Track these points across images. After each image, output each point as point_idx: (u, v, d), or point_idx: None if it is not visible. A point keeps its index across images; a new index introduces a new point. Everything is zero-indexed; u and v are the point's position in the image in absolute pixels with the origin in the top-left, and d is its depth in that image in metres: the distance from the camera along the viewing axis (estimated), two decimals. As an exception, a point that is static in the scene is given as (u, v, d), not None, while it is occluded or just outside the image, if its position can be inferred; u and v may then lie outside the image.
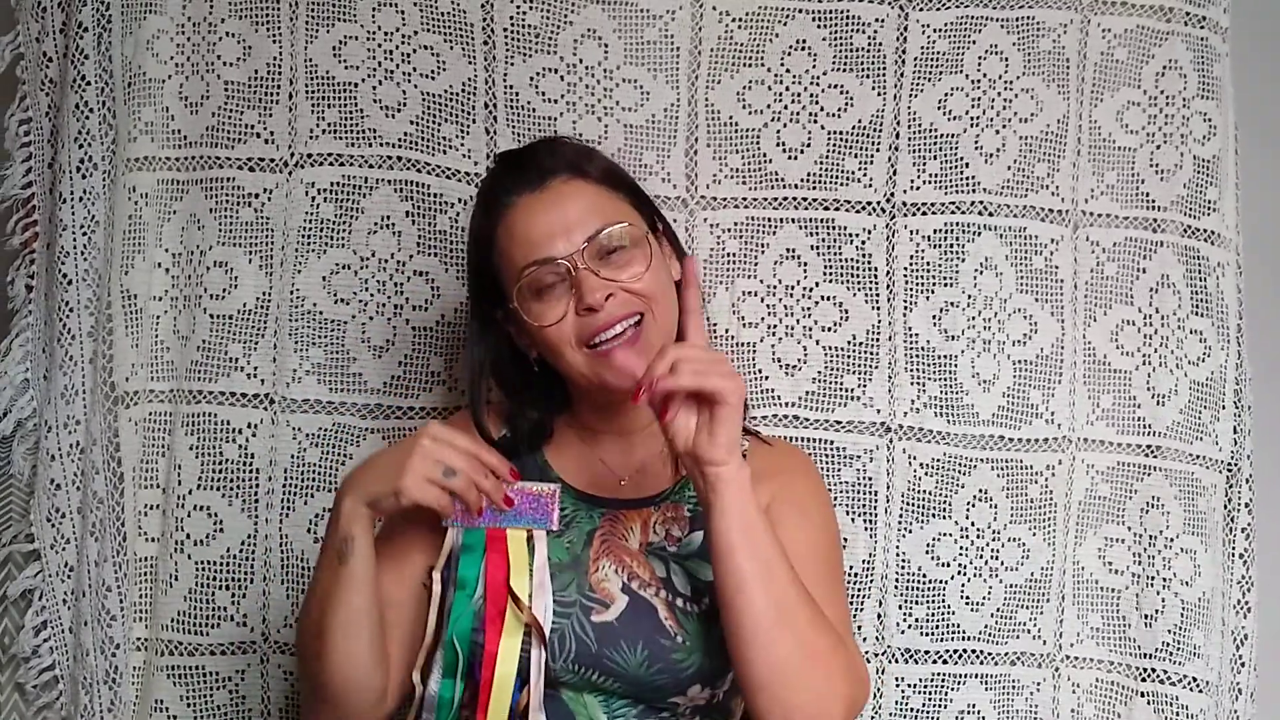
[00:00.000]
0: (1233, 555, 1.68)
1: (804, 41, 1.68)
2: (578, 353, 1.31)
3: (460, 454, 1.24)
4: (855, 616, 1.63)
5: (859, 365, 1.66)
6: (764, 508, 1.32)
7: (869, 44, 1.68)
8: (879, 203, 1.68)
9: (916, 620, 1.65)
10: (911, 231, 1.67)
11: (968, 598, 1.65)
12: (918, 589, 1.65)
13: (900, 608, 1.64)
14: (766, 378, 1.66)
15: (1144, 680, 1.66)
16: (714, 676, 1.27)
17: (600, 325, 1.30)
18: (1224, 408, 1.69)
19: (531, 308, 1.32)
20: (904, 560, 1.65)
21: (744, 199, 1.67)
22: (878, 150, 1.68)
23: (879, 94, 1.68)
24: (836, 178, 1.67)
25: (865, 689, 1.27)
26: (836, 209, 1.67)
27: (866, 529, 1.64)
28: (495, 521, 1.28)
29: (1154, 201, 1.69)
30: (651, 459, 1.39)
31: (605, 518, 1.34)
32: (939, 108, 1.68)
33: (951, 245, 1.67)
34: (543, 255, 1.31)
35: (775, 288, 1.67)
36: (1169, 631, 1.65)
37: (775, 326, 1.67)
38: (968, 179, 1.68)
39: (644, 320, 1.31)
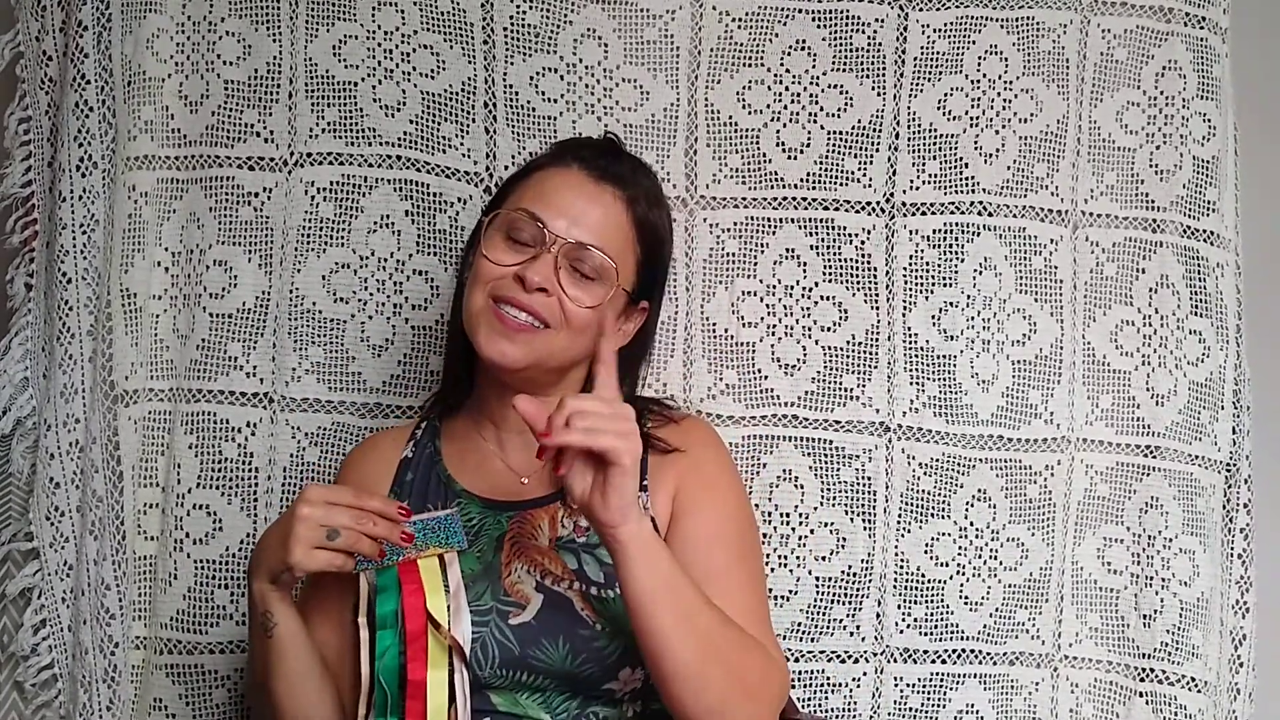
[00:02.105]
0: (1231, 555, 1.68)
1: (804, 41, 1.68)
2: (482, 295, 1.34)
3: (341, 511, 1.24)
4: (854, 616, 1.63)
5: (858, 365, 1.66)
6: (672, 494, 1.35)
7: (869, 44, 1.68)
8: (878, 203, 1.68)
9: (915, 620, 1.65)
10: (911, 231, 1.67)
11: (966, 597, 1.65)
12: (916, 589, 1.65)
13: (899, 607, 1.65)
14: (766, 377, 1.66)
15: (1142, 680, 1.66)
16: (641, 657, 1.26)
17: (515, 299, 1.32)
18: (1223, 408, 1.69)
19: (494, 237, 1.36)
20: (903, 560, 1.65)
21: (743, 199, 1.67)
22: (877, 150, 1.68)
23: (879, 94, 1.68)
24: (836, 178, 1.67)
25: (787, 687, 1.31)
26: (836, 209, 1.67)
27: (865, 529, 1.64)
28: (401, 555, 1.26)
29: (1153, 202, 1.70)
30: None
31: (513, 520, 1.35)
32: (939, 108, 1.68)
33: (951, 245, 1.67)
34: (542, 216, 1.34)
35: (775, 287, 1.67)
36: (1167, 631, 1.66)
37: (775, 326, 1.67)
38: (967, 179, 1.68)
39: (546, 331, 1.33)
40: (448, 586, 1.26)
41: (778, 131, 1.68)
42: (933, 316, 1.67)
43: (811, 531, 1.64)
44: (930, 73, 1.68)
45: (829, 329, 1.67)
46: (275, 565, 1.25)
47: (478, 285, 1.34)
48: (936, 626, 1.65)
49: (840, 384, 1.66)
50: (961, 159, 1.68)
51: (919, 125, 1.68)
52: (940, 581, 1.65)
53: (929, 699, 1.65)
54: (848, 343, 1.67)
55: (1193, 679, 1.65)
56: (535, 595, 1.29)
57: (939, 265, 1.67)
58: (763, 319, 1.67)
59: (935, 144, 1.68)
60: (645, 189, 1.42)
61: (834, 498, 1.64)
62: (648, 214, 1.41)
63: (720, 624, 1.22)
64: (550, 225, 1.33)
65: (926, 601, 1.65)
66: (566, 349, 1.35)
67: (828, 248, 1.67)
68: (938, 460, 1.66)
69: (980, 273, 1.67)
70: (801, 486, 1.64)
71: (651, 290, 1.44)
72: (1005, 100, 1.68)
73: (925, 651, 1.65)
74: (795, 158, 1.68)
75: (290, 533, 1.23)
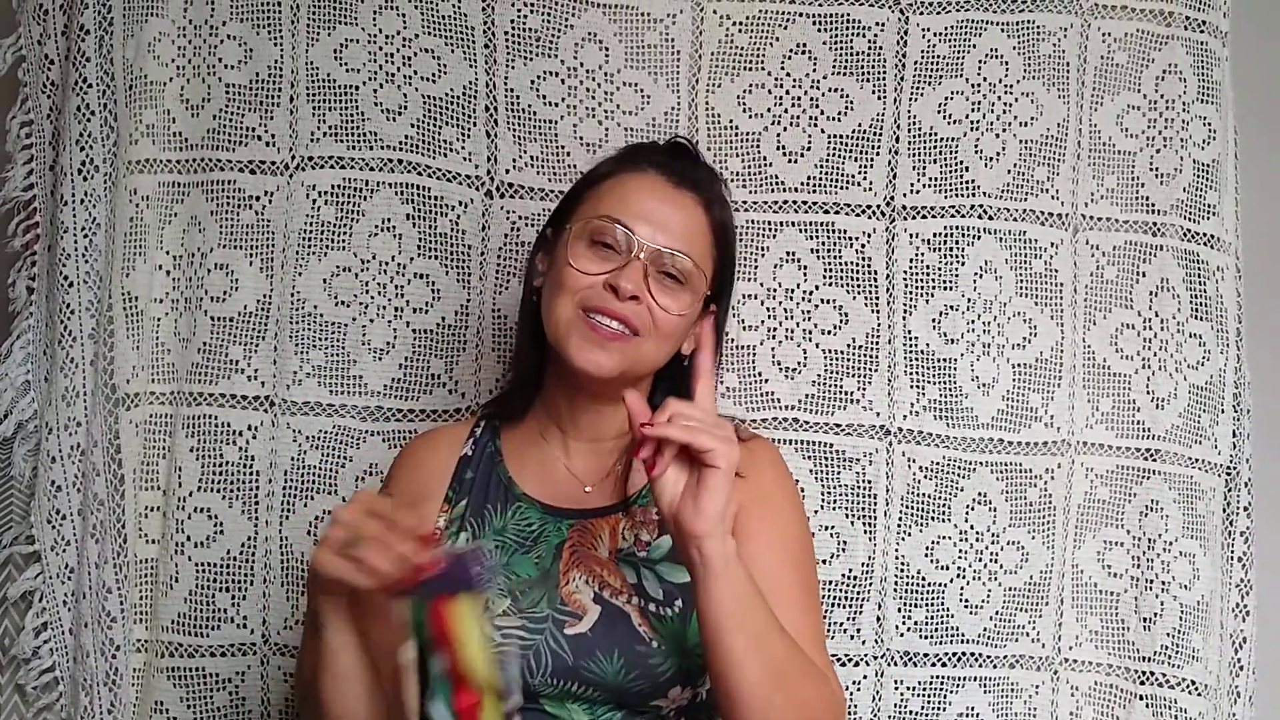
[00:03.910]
0: (1231, 559, 1.69)
1: (804, 45, 1.68)
2: (571, 305, 1.32)
3: (371, 521, 1.17)
4: (855, 619, 1.64)
5: (859, 368, 1.66)
6: (733, 515, 1.30)
7: (869, 48, 1.68)
8: (879, 206, 1.68)
9: (915, 623, 1.65)
10: (911, 235, 1.67)
11: (967, 600, 1.65)
12: (917, 592, 1.65)
13: (899, 610, 1.65)
14: (766, 381, 1.66)
15: (1143, 683, 1.66)
16: (692, 677, 1.27)
17: (608, 309, 1.31)
18: (1223, 411, 1.69)
19: (577, 245, 1.34)
20: (903, 563, 1.65)
21: (744, 202, 1.68)
22: (878, 154, 1.68)
23: (879, 98, 1.68)
24: (836, 181, 1.68)
25: (844, 712, 1.29)
26: (836, 212, 1.68)
27: (866, 532, 1.64)
28: (428, 593, 1.15)
29: (1154, 205, 1.70)
30: (619, 466, 1.39)
31: (573, 529, 1.34)
32: (939, 111, 1.68)
33: (951, 249, 1.67)
34: (627, 223, 1.33)
35: (775, 291, 1.67)
36: (1168, 635, 1.66)
37: (775, 329, 1.67)
38: (967, 183, 1.68)
39: (636, 339, 1.32)
40: (483, 636, 1.16)
41: (778, 135, 1.68)
42: (933, 320, 1.67)
43: (812, 535, 1.64)
44: (931, 76, 1.68)
45: (829, 332, 1.67)
46: (312, 569, 1.21)
47: (564, 294, 1.32)
48: (937, 630, 1.65)
49: (840, 387, 1.66)
50: (962, 163, 1.68)
51: (919, 129, 1.68)
52: (940, 585, 1.65)
53: (929, 702, 1.65)
54: (848, 346, 1.67)
55: (1193, 682, 1.65)
56: (593, 606, 1.27)
57: (939, 269, 1.67)
58: (763, 322, 1.67)
59: (936, 148, 1.68)
60: (718, 193, 1.42)
61: (834, 501, 1.64)
62: (722, 217, 1.41)
63: (790, 651, 1.20)
64: (637, 231, 1.32)
65: (927, 605, 1.65)
66: (653, 356, 1.35)
67: (828, 251, 1.67)
68: (938, 463, 1.66)
69: (980, 276, 1.67)
70: (802, 490, 1.64)
71: (722, 294, 1.43)
72: (1006, 104, 1.69)
73: (925, 655, 1.65)
74: (796, 161, 1.68)
75: (324, 535, 1.20)
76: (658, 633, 1.26)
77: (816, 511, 1.64)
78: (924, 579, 1.65)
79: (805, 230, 1.67)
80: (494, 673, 1.15)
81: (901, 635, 1.65)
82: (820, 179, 1.68)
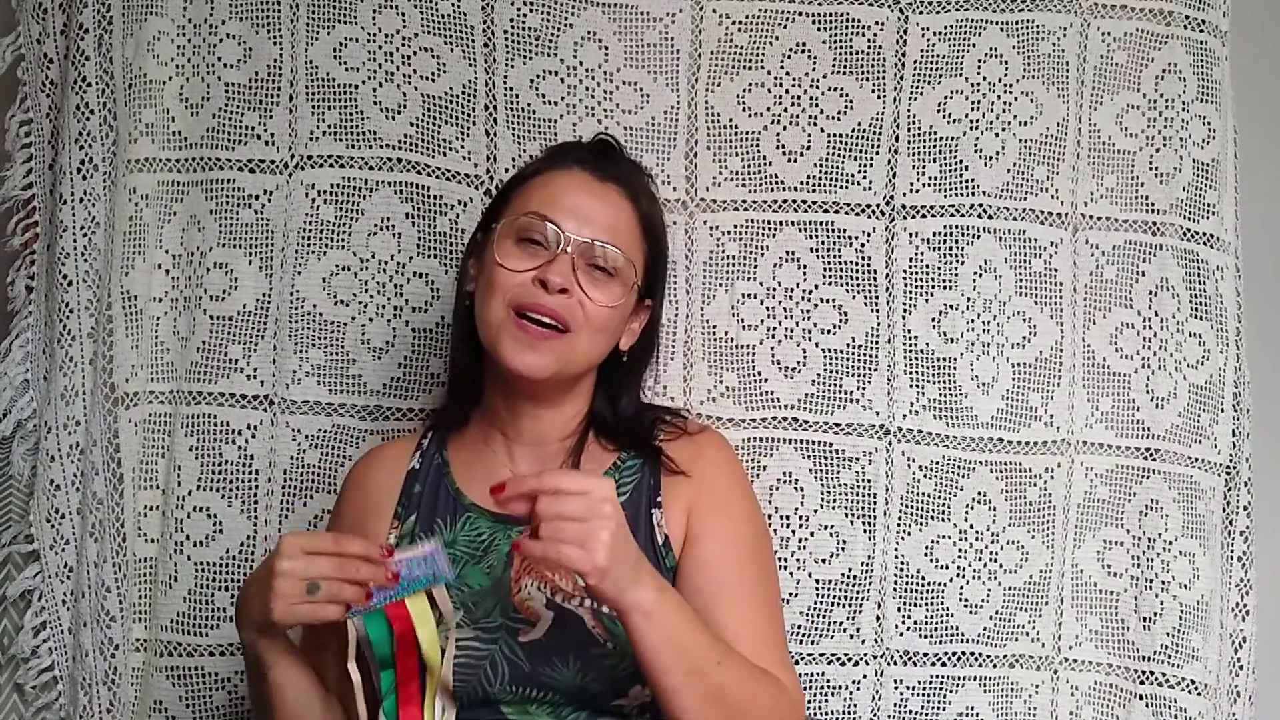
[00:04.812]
0: (1231, 558, 1.69)
1: (804, 44, 1.68)
2: (502, 305, 1.32)
3: (322, 560, 1.19)
4: (854, 619, 1.63)
5: (858, 368, 1.66)
6: (685, 511, 1.34)
7: (869, 47, 1.68)
8: (878, 205, 1.68)
9: (915, 622, 1.65)
10: (911, 234, 1.67)
11: (966, 600, 1.65)
12: (916, 591, 1.65)
13: (899, 610, 1.65)
14: (766, 380, 1.66)
15: (1142, 683, 1.66)
16: None
17: (537, 304, 1.31)
18: (1223, 411, 1.69)
19: (505, 244, 1.35)
20: (903, 563, 1.65)
21: (744, 201, 1.68)
22: (877, 153, 1.68)
23: (879, 97, 1.68)
24: (836, 180, 1.68)
25: (802, 710, 1.29)
26: (836, 212, 1.68)
27: (865, 531, 1.64)
28: (389, 597, 1.20)
29: (1153, 205, 1.70)
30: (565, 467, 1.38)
31: (523, 535, 1.32)
32: (939, 110, 1.68)
33: (951, 248, 1.67)
34: (553, 218, 1.33)
35: (775, 290, 1.67)
36: (1167, 634, 1.66)
37: (775, 329, 1.67)
38: (967, 182, 1.68)
39: (568, 336, 1.32)
40: (441, 620, 1.22)
41: (778, 134, 1.68)
42: (933, 319, 1.67)
43: (811, 534, 1.64)
44: (930, 75, 1.68)
45: (829, 331, 1.67)
46: (261, 619, 1.21)
47: (495, 295, 1.33)
48: (936, 629, 1.65)
49: (840, 387, 1.66)
50: (961, 162, 1.68)
51: (919, 128, 1.68)
52: (940, 584, 1.65)
53: (929, 702, 1.64)
54: (848, 345, 1.67)
55: (1193, 682, 1.65)
56: (545, 612, 1.28)
57: (939, 268, 1.67)
58: (763, 321, 1.67)
59: (935, 147, 1.68)
60: (644, 186, 1.43)
61: (834, 500, 1.64)
62: (650, 210, 1.42)
63: (733, 676, 1.20)
64: (563, 225, 1.33)
65: (926, 604, 1.65)
66: (588, 351, 1.35)
67: (828, 250, 1.67)
68: (938, 463, 1.66)
69: (980, 275, 1.67)
70: (801, 489, 1.64)
71: (655, 287, 1.44)
72: (1005, 103, 1.69)
73: (925, 654, 1.65)
74: (795, 160, 1.68)
75: (270, 589, 1.18)
76: (612, 634, 1.26)
77: (816, 511, 1.64)
78: (924, 578, 1.65)
79: (805, 229, 1.67)
80: (446, 668, 1.20)
81: (901, 635, 1.65)
82: (820, 178, 1.68)
